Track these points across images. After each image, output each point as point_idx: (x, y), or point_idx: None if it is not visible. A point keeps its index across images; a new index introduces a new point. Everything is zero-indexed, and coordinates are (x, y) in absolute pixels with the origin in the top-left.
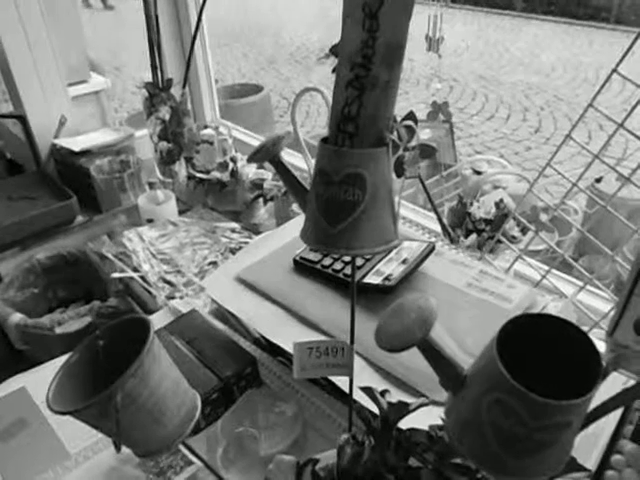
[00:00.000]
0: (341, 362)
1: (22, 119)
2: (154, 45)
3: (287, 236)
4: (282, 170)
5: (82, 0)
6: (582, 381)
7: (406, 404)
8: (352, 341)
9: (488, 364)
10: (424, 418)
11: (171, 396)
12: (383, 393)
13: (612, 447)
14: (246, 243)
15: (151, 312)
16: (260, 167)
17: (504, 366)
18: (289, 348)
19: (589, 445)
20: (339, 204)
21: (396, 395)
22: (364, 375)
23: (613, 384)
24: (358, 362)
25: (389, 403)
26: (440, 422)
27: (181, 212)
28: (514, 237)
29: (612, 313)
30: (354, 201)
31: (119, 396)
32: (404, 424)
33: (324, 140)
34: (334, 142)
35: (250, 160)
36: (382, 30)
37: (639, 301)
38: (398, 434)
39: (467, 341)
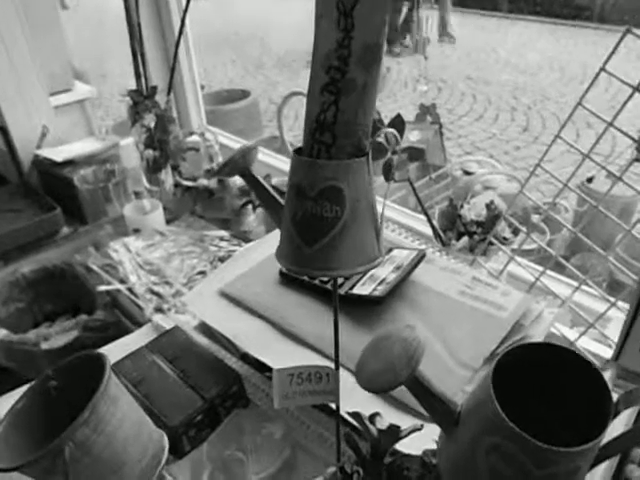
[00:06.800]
0: (326, 388)
1: (3, 130)
2: (137, 53)
3: (272, 246)
4: (254, 184)
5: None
6: (587, 414)
7: (398, 429)
8: (337, 367)
9: (484, 403)
10: (418, 437)
11: (132, 442)
12: (373, 418)
13: (620, 474)
14: (235, 251)
15: (139, 325)
16: None
17: (502, 402)
18: (275, 365)
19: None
20: (315, 221)
21: (389, 414)
22: (355, 393)
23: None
24: (348, 378)
25: (379, 430)
26: (434, 446)
27: (168, 221)
28: (506, 238)
29: (607, 314)
30: (332, 217)
31: (68, 448)
32: (397, 445)
33: (298, 151)
34: (309, 153)
35: (218, 174)
36: (358, 29)
37: None
38: (390, 463)
39: (462, 353)
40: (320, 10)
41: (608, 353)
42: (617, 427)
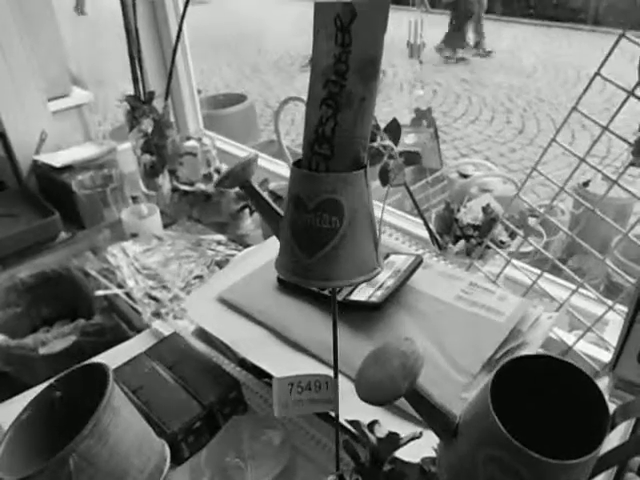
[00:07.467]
0: (326, 397)
1: (1, 136)
2: (135, 58)
3: (271, 252)
4: (254, 195)
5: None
6: (585, 426)
7: (397, 437)
8: (336, 375)
9: (482, 415)
10: (417, 445)
11: (135, 452)
12: (372, 425)
13: None
14: (232, 255)
15: (137, 329)
16: None
17: (500, 414)
18: (274, 371)
19: None
20: (314, 233)
21: (388, 421)
22: (354, 400)
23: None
24: (346, 384)
25: (378, 438)
26: (433, 453)
27: (166, 225)
28: (502, 242)
29: (605, 317)
30: (330, 229)
31: (72, 460)
32: (396, 453)
33: (297, 163)
34: (308, 165)
35: (218, 186)
36: (355, 44)
37: None
38: (389, 470)
39: (459, 359)
40: (318, 25)
41: (606, 356)
42: (616, 437)
